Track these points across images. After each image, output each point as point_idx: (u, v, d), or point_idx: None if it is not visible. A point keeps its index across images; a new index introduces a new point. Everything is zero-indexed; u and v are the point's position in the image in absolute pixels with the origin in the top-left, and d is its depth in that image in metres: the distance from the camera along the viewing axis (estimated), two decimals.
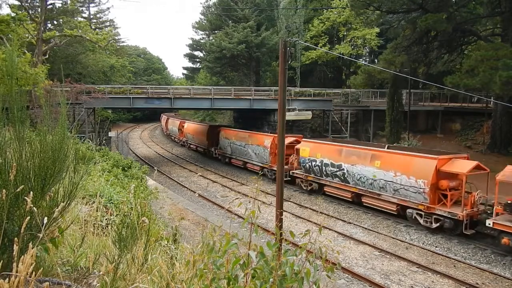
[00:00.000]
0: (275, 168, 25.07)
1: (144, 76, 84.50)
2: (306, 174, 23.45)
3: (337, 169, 21.21)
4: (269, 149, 27.04)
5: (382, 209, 18.78)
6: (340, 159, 21.10)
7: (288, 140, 25.62)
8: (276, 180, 12.37)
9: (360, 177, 19.82)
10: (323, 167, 22.14)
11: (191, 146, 44.44)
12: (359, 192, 19.94)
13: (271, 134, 27.69)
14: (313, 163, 22.77)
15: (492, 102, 26.98)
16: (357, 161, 20.08)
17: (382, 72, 27.83)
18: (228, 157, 33.52)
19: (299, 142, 25.54)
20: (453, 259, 14.27)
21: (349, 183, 20.57)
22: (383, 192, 18.64)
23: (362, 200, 19.78)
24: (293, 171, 24.70)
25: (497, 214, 14.98)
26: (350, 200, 20.63)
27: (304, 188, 23.85)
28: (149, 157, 39.96)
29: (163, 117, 65.78)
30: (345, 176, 20.74)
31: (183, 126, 47.18)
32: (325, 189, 22.23)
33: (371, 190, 19.29)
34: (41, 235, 2.34)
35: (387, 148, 20.66)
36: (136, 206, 3.55)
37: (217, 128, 36.75)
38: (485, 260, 14.30)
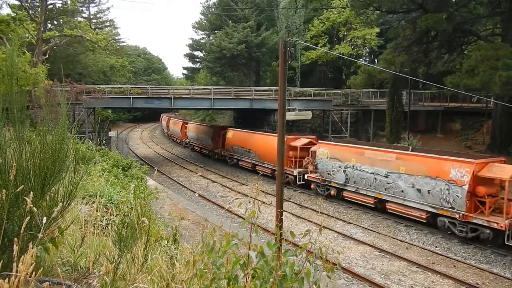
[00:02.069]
0: (290, 172, 24.38)
1: (144, 76, 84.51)
2: (323, 178, 21.94)
3: (359, 173, 19.69)
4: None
5: (409, 217, 17.58)
6: (362, 162, 19.55)
7: (302, 141, 24.83)
8: (276, 180, 12.37)
9: (384, 182, 18.46)
10: (344, 171, 20.49)
11: (194, 147, 42.99)
12: (383, 198, 18.56)
13: (292, 136, 26.15)
14: (332, 166, 21.16)
15: (492, 102, 26.98)
16: (381, 165, 18.67)
17: (382, 72, 27.85)
18: (236, 159, 32.39)
19: (314, 144, 24.30)
20: (453, 259, 14.26)
21: (371, 188, 19.16)
22: (411, 198, 17.29)
23: (386, 206, 18.46)
24: (308, 175, 23.19)
25: None
26: (373, 206, 19.28)
27: (321, 192, 22.40)
28: (149, 157, 39.96)
29: (164, 117, 63.43)
30: (368, 180, 19.20)
31: (186, 127, 45.54)
32: (344, 194, 20.81)
33: (396, 196, 17.96)
34: (40, 235, 2.34)
35: (412, 150, 18.77)
36: (136, 206, 3.55)
37: (223, 129, 35.53)
38: (485, 260, 14.30)
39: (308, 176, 23.34)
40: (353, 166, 20.09)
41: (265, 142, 27.41)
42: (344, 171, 20.63)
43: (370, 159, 19.31)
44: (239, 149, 31.13)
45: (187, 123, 46.19)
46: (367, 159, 19.45)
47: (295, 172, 24.27)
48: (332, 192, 21.53)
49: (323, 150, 22.08)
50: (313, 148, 23.57)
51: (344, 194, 20.89)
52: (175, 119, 55.99)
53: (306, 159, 24.48)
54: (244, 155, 30.19)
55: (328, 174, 21.65)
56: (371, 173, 19.07)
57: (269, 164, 26.90)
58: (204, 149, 39.21)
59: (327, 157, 21.62)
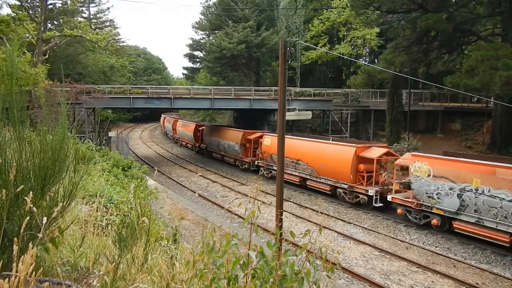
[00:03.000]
0: (362, 190, 20.14)
1: (144, 76, 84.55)
2: (420, 202, 17.26)
3: (487, 199, 14.83)
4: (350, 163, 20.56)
5: None
6: (493, 184, 14.66)
7: (377, 152, 20.16)
8: (276, 180, 12.36)
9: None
10: (459, 195, 15.73)
11: (213, 154, 37.26)
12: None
13: (363, 145, 21.63)
14: (436, 187, 16.48)
15: (492, 102, 26.98)
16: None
17: (382, 72, 27.87)
18: (276, 171, 26.30)
19: (392, 155, 20.88)
20: (453, 259, 14.27)
21: (508, 221, 14.22)
22: None
23: None
24: (393, 196, 18.55)
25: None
26: (508, 245, 14.52)
27: (414, 220, 17.69)
28: (149, 157, 39.96)
29: (167, 119, 58.68)
30: (503, 210, 14.36)
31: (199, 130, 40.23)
32: (455, 225, 16.02)
33: None
34: (40, 235, 2.34)
35: None
36: (136, 206, 3.55)
37: (254, 134, 30.43)
38: (485, 260, 14.30)
39: (392, 197, 18.66)
40: (476, 190, 15.21)
41: (324, 151, 22.52)
42: (459, 196, 15.86)
43: (508, 181, 14.41)
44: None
45: (201, 126, 41.04)
46: (502, 181, 14.56)
47: (371, 192, 19.54)
48: (435, 221, 16.76)
49: (422, 165, 17.45)
50: (401, 162, 19.16)
51: (455, 225, 16.06)
52: (185, 121, 49.83)
53: (384, 174, 20.38)
54: (289, 166, 24.43)
55: (429, 197, 16.94)
56: (510, 200, 14.20)
57: (329, 180, 22.08)
58: (227, 157, 33.96)
59: (429, 175, 17.01)
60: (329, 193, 22.15)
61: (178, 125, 49.98)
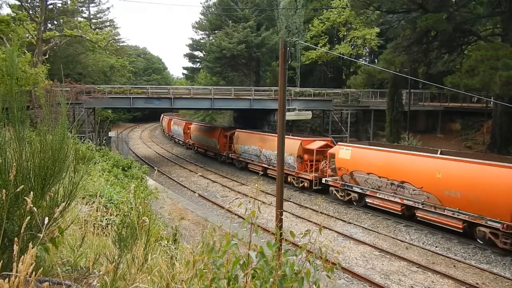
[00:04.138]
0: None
1: (144, 76, 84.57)
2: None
3: None
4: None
5: None
6: None
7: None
8: (276, 180, 12.36)
9: None
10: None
11: (250, 166, 30.12)
12: None
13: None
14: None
15: (492, 102, 26.97)
16: None
17: (382, 72, 27.86)
18: (359, 194, 20.86)
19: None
20: (453, 259, 14.26)
21: None
22: None
23: None
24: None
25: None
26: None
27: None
28: (149, 157, 39.96)
29: (176, 121, 52.45)
30: None
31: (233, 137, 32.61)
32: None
33: None
34: (42, 235, 2.34)
35: None
36: (137, 206, 3.55)
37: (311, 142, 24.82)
38: (485, 260, 14.30)
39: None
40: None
41: (471, 174, 15.20)
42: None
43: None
44: (374, 179, 19.03)
45: (229, 131, 33.64)
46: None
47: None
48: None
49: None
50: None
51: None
52: (203, 125, 42.31)
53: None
54: (385, 189, 18.64)
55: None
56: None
57: (462, 213, 15.58)
58: (273, 170, 26.01)
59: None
60: (460, 231, 15.81)
61: (194, 129, 42.05)
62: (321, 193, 22.63)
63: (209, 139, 36.43)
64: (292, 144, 23.85)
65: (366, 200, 19.74)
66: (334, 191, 21.71)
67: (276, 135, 24.39)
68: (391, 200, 18.45)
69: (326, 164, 22.73)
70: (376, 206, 19.25)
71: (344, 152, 20.99)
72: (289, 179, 24.60)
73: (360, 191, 20.02)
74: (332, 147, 23.32)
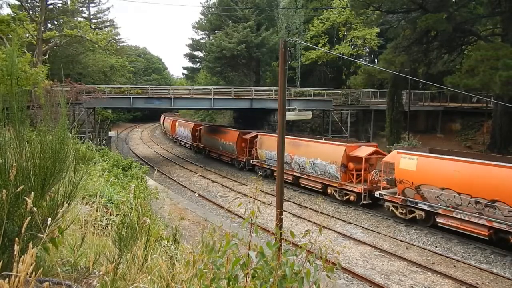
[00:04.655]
0: None
1: (144, 76, 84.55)
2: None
3: None
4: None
5: None
6: None
7: None
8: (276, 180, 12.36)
9: None
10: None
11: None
12: None
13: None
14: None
15: (492, 102, 26.98)
16: None
17: (382, 72, 27.84)
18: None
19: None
20: (453, 259, 14.27)
21: None
22: None
23: None
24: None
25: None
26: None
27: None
28: (149, 157, 39.96)
29: (180, 122, 49.00)
30: None
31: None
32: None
33: None
34: (43, 236, 2.34)
35: None
36: (137, 206, 3.55)
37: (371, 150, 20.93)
38: (485, 260, 14.30)
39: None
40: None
41: None
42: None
43: None
44: (451, 195, 15.84)
45: (252, 134, 29.87)
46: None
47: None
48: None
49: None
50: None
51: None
52: (213, 127, 38.14)
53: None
54: (467, 208, 15.49)
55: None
56: None
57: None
58: (308, 179, 23.33)
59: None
60: None
61: (204, 131, 38.46)
62: (370, 208, 19.90)
63: (224, 143, 32.97)
64: (335, 150, 21.16)
65: (437, 220, 16.54)
66: (392, 207, 18.33)
67: (313, 140, 23.53)
68: (475, 222, 15.21)
69: (377, 174, 20.05)
70: (450, 228, 16.07)
71: (408, 161, 17.46)
72: (329, 191, 21.77)
73: (428, 208, 16.84)
74: (382, 154, 20.63)
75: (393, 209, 18.34)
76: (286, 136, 25.73)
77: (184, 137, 45.79)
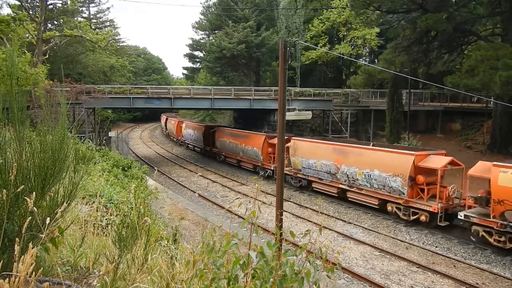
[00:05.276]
0: None
1: (144, 76, 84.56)
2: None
3: None
4: None
5: None
6: None
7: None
8: (276, 180, 12.36)
9: None
10: None
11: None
12: None
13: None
14: None
15: (492, 102, 26.98)
16: None
17: (382, 72, 27.84)
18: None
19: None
20: (453, 259, 14.26)
21: None
22: None
23: None
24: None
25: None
26: None
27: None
28: (149, 157, 39.96)
29: (187, 124, 45.66)
30: None
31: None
32: None
33: None
34: (43, 235, 2.34)
35: None
36: (137, 206, 3.55)
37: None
38: (485, 260, 14.30)
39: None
40: None
41: None
42: None
43: None
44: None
45: (272, 138, 26.49)
46: None
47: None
48: None
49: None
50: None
51: None
52: (231, 131, 34.05)
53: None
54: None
55: None
56: None
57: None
58: (358, 193, 19.99)
59: None
60: None
61: (221, 135, 34.48)
62: (447, 231, 16.62)
63: (245, 148, 29.72)
64: (400, 160, 17.73)
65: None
66: (483, 233, 14.96)
67: (367, 147, 19.89)
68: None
69: (456, 190, 16.84)
70: None
71: (511, 177, 14.09)
72: (389, 208, 18.39)
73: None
74: (457, 164, 17.26)
75: (485, 234, 14.91)
76: (330, 142, 23.49)
77: (193, 140, 42.40)
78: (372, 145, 20.95)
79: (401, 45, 28.93)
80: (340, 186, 21.01)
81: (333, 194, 21.50)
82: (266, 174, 27.19)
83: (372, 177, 18.93)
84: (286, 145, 23.49)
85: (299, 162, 23.72)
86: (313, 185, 23.12)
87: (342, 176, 20.75)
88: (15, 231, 2.40)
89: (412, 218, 17.46)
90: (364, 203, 19.73)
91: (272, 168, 26.23)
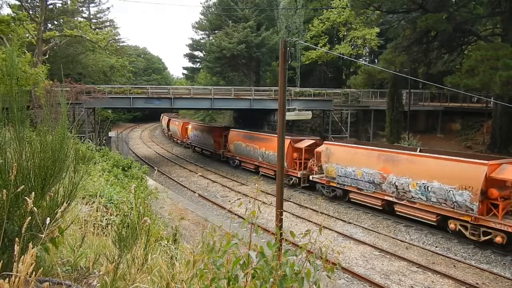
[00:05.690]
0: None
1: (144, 76, 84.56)
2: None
3: None
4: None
5: None
6: None
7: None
8: (276, 180, 12.35)
9: None
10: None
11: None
12: None
13: None
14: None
15: (492, 102, 26.97)
16: None
17: (382, 72, 27.84)
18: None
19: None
20: (453, 259, 14.26)
21: None
22: None
23: None
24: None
25: None
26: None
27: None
28: (149, 157, 39.96)
29: (193, 125, 43.44)
30: None
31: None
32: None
33: None
34: (43, 235, 2.34)
35: None
36: (137, 206, 3.55)
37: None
38: (485, 260, 14.30)
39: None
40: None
41: None
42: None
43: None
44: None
45: (308, 143, 24.33)
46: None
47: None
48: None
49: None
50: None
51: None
52: (249, 134, 30.67)
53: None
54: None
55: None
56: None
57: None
58: (410, 206, 17.55)
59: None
60: None
61: (235, 138, 31.71)
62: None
63: (265, 153, 27.44)
64: (467, 170, 15.12)
65: None
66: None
67: (421, 154, 17.40)
68: None
69: None
70: None
71: None
72: (451, 225, 15.87)
73: None
74: None
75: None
76: (374, 148, 21.16)
77: (201, 142, 39.85)
78: (419, 151, 18.77)
79: (401, 45, 28.92)
80: (386, 198, 18.54)
81: (377, 207, 19.20)
82: (291, 182, 24.86)
83: (429, 189, 16.39)
84: (316, 149, 22.62)
85: (334, 169, 21.27)
86: (350, 196, 20.75)
87: (389, 187, 18.29)
88: (15, 231, 2.40)
89: (483, 238, 14.85)
90: (418, 219, 17.26)
91: (299, 176, 24.15)
